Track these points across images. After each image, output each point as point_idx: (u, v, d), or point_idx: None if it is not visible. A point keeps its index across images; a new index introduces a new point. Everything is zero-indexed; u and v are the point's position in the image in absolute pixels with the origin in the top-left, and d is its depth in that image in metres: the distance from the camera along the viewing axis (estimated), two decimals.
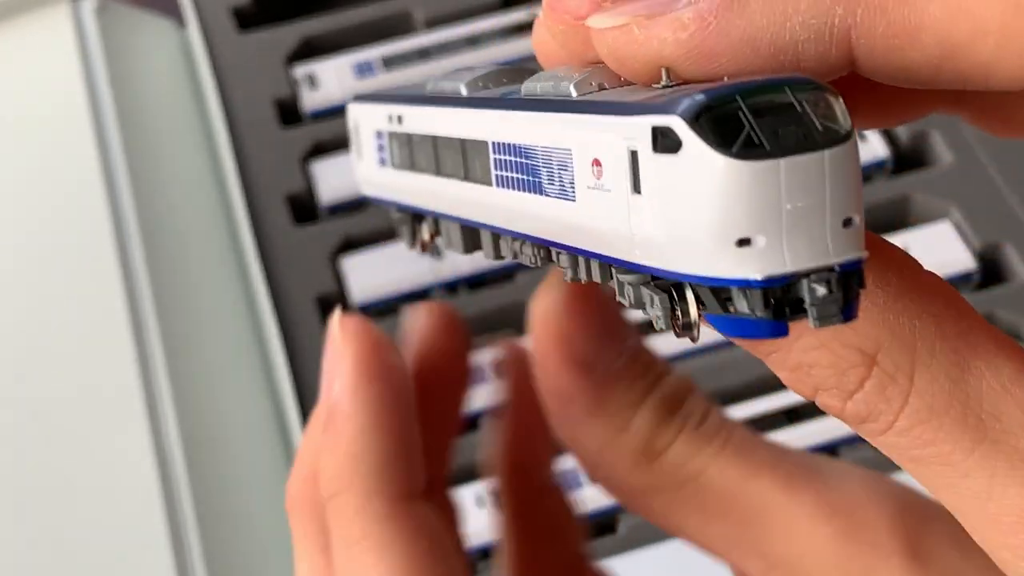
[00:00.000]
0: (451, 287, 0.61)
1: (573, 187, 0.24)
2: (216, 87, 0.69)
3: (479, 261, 0.61)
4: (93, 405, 0.58)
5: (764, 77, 0.21)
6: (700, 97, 0.21)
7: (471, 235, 0.30)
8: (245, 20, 0.73)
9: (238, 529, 0.55)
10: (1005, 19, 0.21)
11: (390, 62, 0.69)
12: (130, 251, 0.62)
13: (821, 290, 0.21)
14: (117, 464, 0.56)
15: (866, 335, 0.23)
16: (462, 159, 0.28)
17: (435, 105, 0.29)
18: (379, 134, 0.32)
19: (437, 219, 0.31)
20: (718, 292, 0.22)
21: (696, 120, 0.21)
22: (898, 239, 0.59)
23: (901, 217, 0.62)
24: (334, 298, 0.61)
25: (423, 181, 0.30)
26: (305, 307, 0.61)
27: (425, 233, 0.32)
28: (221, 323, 0.62)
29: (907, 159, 0.65)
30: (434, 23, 0.71)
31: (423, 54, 0.69)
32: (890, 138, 0.65)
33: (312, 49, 0.71)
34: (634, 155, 0.22)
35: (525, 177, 0.26)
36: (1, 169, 0.67)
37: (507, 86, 0.28)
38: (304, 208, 0.65)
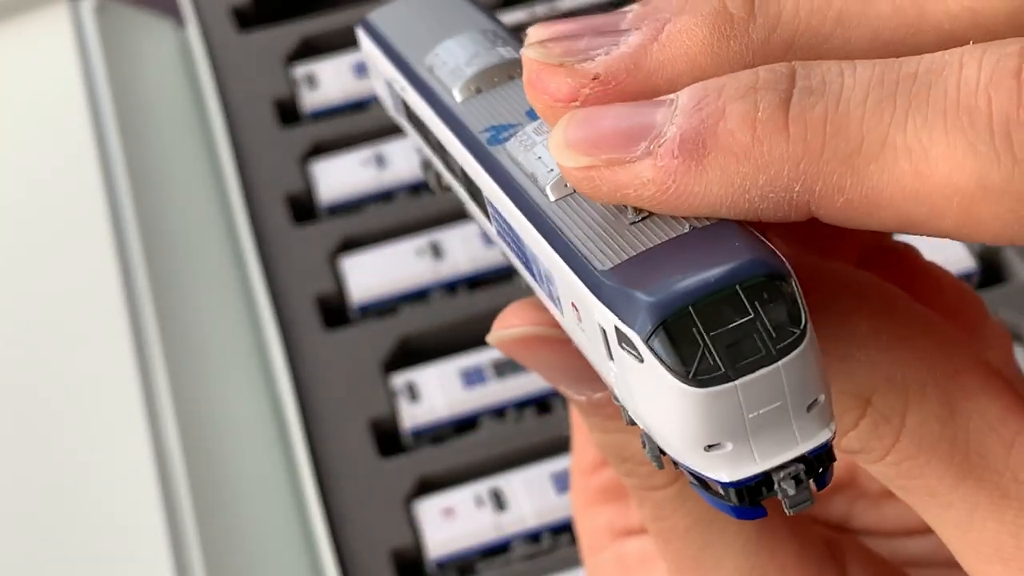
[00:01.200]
0: (451, 287, 0.61)
1: (560, 303, 0.24)
2: (215, 87, 0.69)
3: (479, 261, 0.61)
4: (92, 405, 0.58)
5: (715, 275, 0.21)
6: (654, 307, 0.21)
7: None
8: (245, 20, 0.73)
9: (238, 529, 0.55)
10: (963, 208, 0.21)
11: None
12: (129, 251, 0.62)
13: (791, 490, 0.22)
14: (116, 464, 0.56)
15: (861, 382, 0.23)
16: (464, 179, 0.28)
17: (431, 105, 0.28)
18: (389, 86, 0.31)
19: None
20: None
21: (651, 338, 0.21)
22: (897, 240, 0.59)
23: None
24: (334, 298, 0.61)
25: (434, 157, 0.30)
26: (304, 307, 0.60)
27: (446, 175, 0.31)
28: (220, 323, 0.62)
29: None
30: None
31: None
32: None
33: (311, 49, 0.71)
34: (604, 331, 0.22)
35: (519, 253, 0.26)
36: (0, 169, 0.67)
37: (501, 88, 0.27)
38: (303, 208, 0.65)
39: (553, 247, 0.23)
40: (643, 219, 0.23)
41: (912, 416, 0.23)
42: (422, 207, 0.64)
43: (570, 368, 0.29)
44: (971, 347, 0.24)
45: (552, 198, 0.24)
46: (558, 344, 0.28)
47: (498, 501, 0.54)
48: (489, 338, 0.29)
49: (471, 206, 0.29)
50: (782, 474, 0.21)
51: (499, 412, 0.57)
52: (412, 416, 0.57)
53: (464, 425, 0.57)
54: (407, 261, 0.62)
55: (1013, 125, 0.20)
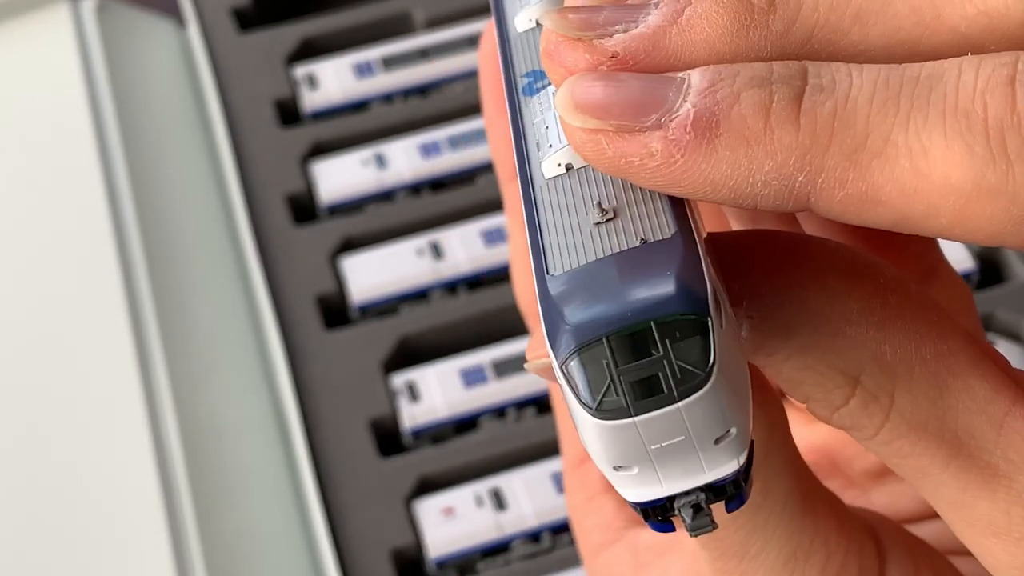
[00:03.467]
0: (451, 287, 0.61)
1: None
2: (216, 87, 0.69)
3: (479, 261, 0.61)
4: (93, 405, 0.58)
5: (633, 307, 0.21)
6: (571, 333, 0.21)
7: None
8: (245, 20, 0.73)
9: (238, 529, 0.55)
10: (958, 207, 0.21)
11: (390, 62, 0.69)
12: (130, 251, 0.62)
13: (688, 518, 0.22)
14: (117, 464, 0.56)
15: (850, 359, 0.24)
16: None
17: (499, 27, 0.28)
18: None
19: None
20: None
21: (566, 364, 0.21)
22: None
23: None
24: (334, 298, 0.61)
25: None
26: (305, 307, 0.61)
27: None
28: (221, 323, 0.62)
29: None
30: (434, 23, 0.71)
31: (423, 54, 0.69)
32: None
33: (312, 49, 0.71)
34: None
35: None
36: (1, 169, 0.67)
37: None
38: (304, 208, 0.65)
39: (529, 232, 0.24)
40: (608, 221, 0.23)
41: (901, 395, 0.24)
42: (422, 207, 0.64)
43: None
44: (962, 326, 0.25)
45: (546, 176, 0.24)
46: None
47: (498, 501, 0.54)
48: (530, 366, 0.28)
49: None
50: (682, 501, 0.22)
51: (499, 412, 0.58)
52: (412, 416, 0.57)
53: (464, 425, 0.57)
54: (407, 261, 0.62)
55: (1007, 129, 0.21)
